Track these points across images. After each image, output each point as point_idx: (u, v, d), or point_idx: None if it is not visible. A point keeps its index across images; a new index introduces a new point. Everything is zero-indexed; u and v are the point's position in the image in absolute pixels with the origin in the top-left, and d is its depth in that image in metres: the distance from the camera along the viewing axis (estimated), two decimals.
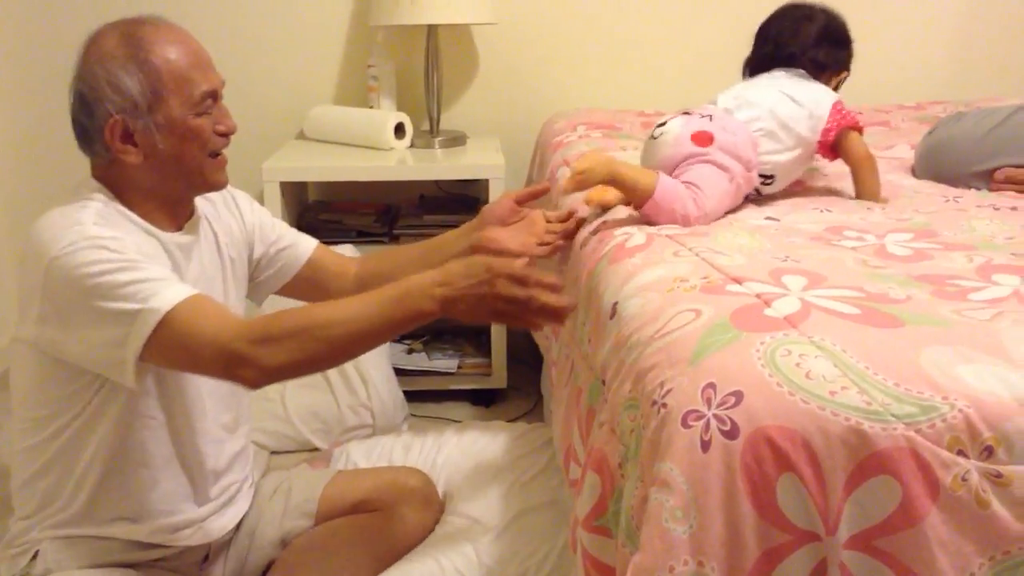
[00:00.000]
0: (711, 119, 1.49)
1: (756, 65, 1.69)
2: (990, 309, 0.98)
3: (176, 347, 1.10)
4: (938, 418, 0.84)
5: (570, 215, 1.58)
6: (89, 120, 1.18)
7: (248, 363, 1.07)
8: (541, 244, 1.52)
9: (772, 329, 0.94)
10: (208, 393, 1.31)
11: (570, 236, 1.54)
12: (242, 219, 1.42)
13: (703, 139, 1.47)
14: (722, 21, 2.44)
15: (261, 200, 2.15)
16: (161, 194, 1.23)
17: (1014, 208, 1.51)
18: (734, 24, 2.40)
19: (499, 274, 1.09)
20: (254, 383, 1.10)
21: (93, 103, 1.16)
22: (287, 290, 1.51)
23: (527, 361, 2.35)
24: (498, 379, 2.25)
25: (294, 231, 1.51)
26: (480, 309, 1.10)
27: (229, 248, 1.38)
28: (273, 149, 2.29)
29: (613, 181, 1.40)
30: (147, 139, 1.18)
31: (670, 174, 1.44)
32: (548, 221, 1.56)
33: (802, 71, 1.63)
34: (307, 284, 1.50)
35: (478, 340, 2.34)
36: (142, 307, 1.08)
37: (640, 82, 2.47)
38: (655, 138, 1.51)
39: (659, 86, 2.47)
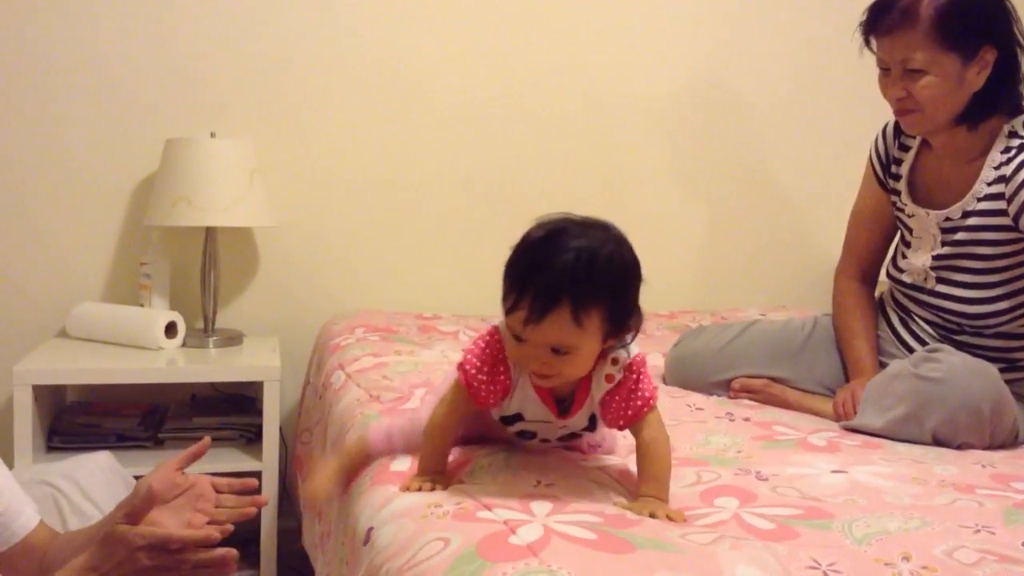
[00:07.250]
0: None
1: None
2: (711, 533, 1.06)
3: None
4: None
5: (249, 488, 1.37)
6: None
7: None
8: (212, 522, 1.25)
9: (515, 558, 0.97)
10: None
11: (247, 516, 1.32)
12: None
13: None
14: (494, 226, 2.59)
15: (9, 406, 2.01)
16: None
17: (747, 419, 1.66)
18: (505, 229, 2.55)
19: (138, 547, 1.08)
20: None
21: None
22: None
23: (301, 571, 2.25)
24: None
25: (19, 497, 1.27)
26: None
27: None
28: (28, 349, 2.17)
29: (352, 472, 1.33)
30: None
31: None
32: (219, 491, 1.32)
33: None
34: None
35: (246, 550, 2.22)
36: None
37: (418, 285, 2.55)
38: None
39: (436, 290, 2.56)
